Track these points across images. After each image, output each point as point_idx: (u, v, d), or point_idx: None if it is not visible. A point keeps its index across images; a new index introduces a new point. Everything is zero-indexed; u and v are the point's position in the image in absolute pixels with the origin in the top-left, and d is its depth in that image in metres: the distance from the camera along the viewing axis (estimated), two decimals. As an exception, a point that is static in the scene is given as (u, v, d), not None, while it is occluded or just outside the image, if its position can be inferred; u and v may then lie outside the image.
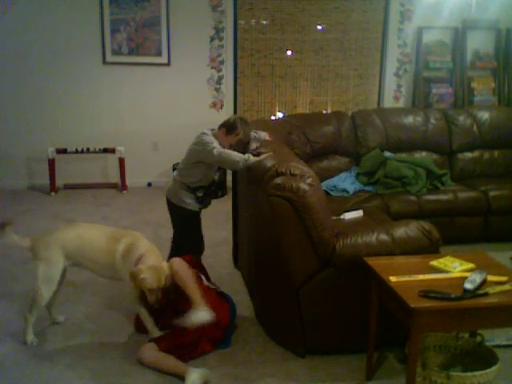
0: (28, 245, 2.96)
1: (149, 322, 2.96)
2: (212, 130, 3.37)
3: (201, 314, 2.72)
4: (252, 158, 3.08)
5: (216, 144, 3.19)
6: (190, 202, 3.39)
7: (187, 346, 2.82)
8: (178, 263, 2.90)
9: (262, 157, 3.05)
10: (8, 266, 3.93)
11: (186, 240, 3.50)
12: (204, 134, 3.28)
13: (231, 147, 3.27)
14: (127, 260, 2.90)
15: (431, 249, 2.72)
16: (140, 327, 3.07)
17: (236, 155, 3.12)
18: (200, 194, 3.37)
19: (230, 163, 3.16)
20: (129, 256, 2.90)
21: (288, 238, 2.71)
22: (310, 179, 2.72)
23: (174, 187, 3.43)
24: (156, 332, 2.95)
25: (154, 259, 2.88)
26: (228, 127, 3.30)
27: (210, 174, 3.39)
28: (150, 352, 2.76)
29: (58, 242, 2.94)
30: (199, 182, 3.35)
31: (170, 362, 2.71)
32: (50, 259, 2.91)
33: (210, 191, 3.43)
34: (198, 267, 3.19)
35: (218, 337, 2.93)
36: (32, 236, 3.02)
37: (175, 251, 3.43)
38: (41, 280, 2.91)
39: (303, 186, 2.66)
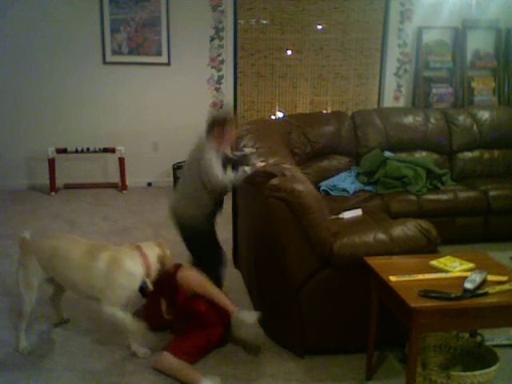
0: (19, 245, 2.94)
1: (131, 328, 2.81)
2: (200, 140, 3.17)
3: (248, 317, 2.71)
4: (247, 170, 3.00)
5: (217, 170, 3.00)
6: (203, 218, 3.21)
7: (201, 347, 2.82)
8: (192, 273, 2.89)
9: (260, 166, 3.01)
10: (8, 266, 3.93)
11: (208, 258, 3.30)
12: (206, 156, 3.02)
13: (232, 143, 3.18)
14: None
15: (430, 247, 2.72)
16: (151, 321, 2.98)
17: (231, 177, 3.01)
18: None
19: (226, 184, 3.04)
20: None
21: (286, 239, 2.72)
22: (302, 182, 2.76)
23: (187, 205, 3.21)
24: (139, 349, 2.84)
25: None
26: (218, 123, 3.09)
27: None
28: (166, 360, 2.72)
29: (33, 250, 2.86)
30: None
31: (183, 370, 2.67)
32: (26, 265, 2.86)
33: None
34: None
35: (222, 335, 2.93)
36: (26, 239, 2.94)
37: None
38: (21, 285, 2.86)
39: (298, 186, 2.67)
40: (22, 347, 2.88)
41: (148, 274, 2.79)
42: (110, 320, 2.78)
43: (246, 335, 2.84)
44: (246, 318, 2.77)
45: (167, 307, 3.01)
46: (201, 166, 3.04)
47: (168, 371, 2.69)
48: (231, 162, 3.19)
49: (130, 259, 2.76)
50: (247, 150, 3.30)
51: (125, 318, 2.75)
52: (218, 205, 3.27)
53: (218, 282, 3.19)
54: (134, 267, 2.75)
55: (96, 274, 2.71)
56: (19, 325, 2.91)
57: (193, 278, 2.90)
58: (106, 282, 2.70)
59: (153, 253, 2.82)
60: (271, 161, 3.10)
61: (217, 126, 3.12)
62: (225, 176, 3.01)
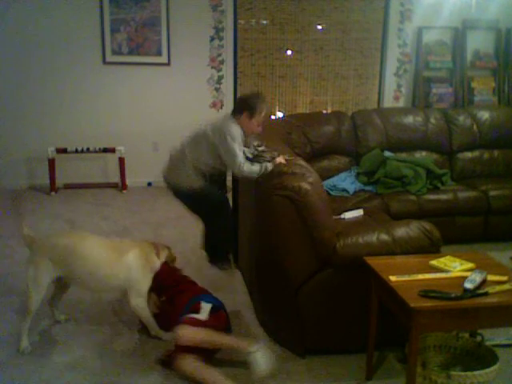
0: (27, 244, 2.92)
1: (153, 326, 2.98)
2: (233, 115, 3.18)
3: (264, 364, 2.55)
4: (268, 166, 2.96)
5: (239, 152, 3.04)
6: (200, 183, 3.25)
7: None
8: (191, 331, 2.66)
9: (279, 162, 2.98)
10: (8, 266, 3.93)
11: (216, 212, 3.31)
12: (229, 129, 3.06)
13: (259, 126, 3.17)
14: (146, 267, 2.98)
15: (432, 249, 2.71)
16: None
17: (254, 171, 2.99)
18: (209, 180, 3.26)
19: (248, 177, 3.05)
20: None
21: (289, 238, 2.71)
22: (311, 178, 2.72)
23: (183, 170, 3.25)
24: (162, 333, 2.97)
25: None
26: (249, 110, 3.12)
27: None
28: (188, 361, 2.62)
29: (46, 248, 2.87)
30: (212, 169, 3.21)
31: (211, 373, 2.59)
32: (36, 264, 2.85)
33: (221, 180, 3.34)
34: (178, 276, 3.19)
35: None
36: (34, 237, 2.95)
37: (211, 233, 3.37)
38: (30, 284, 2.86)
39: (305, 185, 2.66)
40: (23, 348, 2.87)
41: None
42: (139, 312, 2.96)
43: (258, 372, 2.60)
44: (261, 363, 2.55)
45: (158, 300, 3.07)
46: (221, 141, 3.03)
47: (191, 374, 2.58)
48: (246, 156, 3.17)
49: (152, 254, 3.03)
50: (260, 148, 3.26)
51: (150, 316, 2.97)
52: (215, 181, 3.28)
53: (233, 237, 3.34)
54: (157, 262, 3.03)
55: (125, 268, 2.90)
56: (23, 324, 2.90)
57: (195, 335, 2.66)
58: (136, 276, 2.91)
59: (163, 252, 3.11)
60: (288, 157, 3.08)
61: (248, 110, 3.12)
62: (249, 166, 3.01)
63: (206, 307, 2.85)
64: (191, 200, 3.35)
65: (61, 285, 3.08)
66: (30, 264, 2.87)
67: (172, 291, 3.04)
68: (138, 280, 2.93)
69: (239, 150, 3.06)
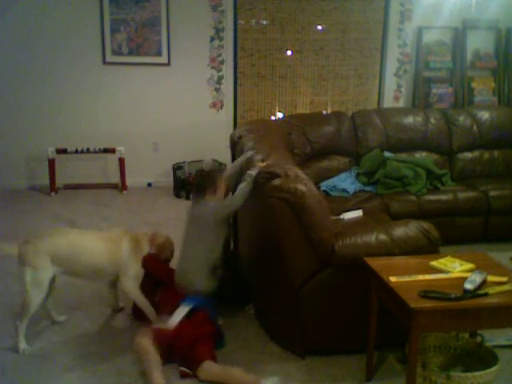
0: (16, 252, 2.94)
1: (148, 308, 3.09)
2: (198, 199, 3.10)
3: None
4: (252, 174, 2.95)
5: (226, 203, 3.02)
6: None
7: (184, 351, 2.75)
8: (214, 368, 2.69)
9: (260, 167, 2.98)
10: (8, 266, 3.92)
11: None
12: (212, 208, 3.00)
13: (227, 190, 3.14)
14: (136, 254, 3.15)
15: (430, 248, 2.72)
16: (137, 315, 3.16)
17: (244, 191, 2.93)
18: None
19: (243, 198, 2.96)
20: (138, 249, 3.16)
21: (287, 239, 2.72)
22: (305, 181, 2.74)
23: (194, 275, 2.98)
24: (154, 315, 3.06)
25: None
26: (210, 184, 3.06)
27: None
28: (212, 368, 2.65)
29: (46, 249, 2.93)
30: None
31: (236, 373, 2.61)
32: (37, 266, 2.89)
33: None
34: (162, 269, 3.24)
35: (211, 331, 2.87)
36: (19, 243, 2.97)
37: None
38: (30, 287, 2.89)
39: (301, 186, 2.66)
40: (22, 349, 2.89)
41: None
42: (131, 295, 3.12)
43: None
44: None
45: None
46: (213, 215, 2.95)
47: (216, 377, 2.62)
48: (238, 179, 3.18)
49: (145, 241, 3.24)
50: (249, 153, 3.27)
51: (143, 297, 3.11)
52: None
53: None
54: (147, 248, 3.22)
55: (122, 254, 3.08)
56: (20, 326, 2.91)
57: (215, 374, 2.67)
58: (128, 260, 3.09)
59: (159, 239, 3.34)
60: (269, 161, 3.08)
61: (208, 189, 3.05)
62: (236, 197, 2.97)
63: (180, 312, 2.80)
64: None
65: (50, 284, 3.07)
66: (26, 267, 2.89)
67: (164, 291, 3.13)
68: (132, 264, 3.10)
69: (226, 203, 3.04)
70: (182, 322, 2.79)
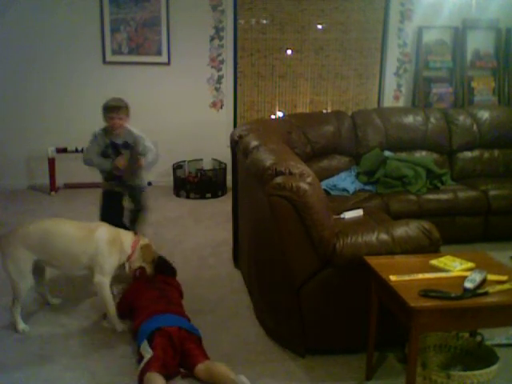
0: None
1: (111, 311, 3.06)
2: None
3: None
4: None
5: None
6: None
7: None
8: (221, 368, 2.65)
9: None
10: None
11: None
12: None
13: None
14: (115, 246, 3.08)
15: (431, 248, 2.72)
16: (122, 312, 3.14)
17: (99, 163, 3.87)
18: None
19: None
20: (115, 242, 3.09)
21: (288, 238, 2.71)
22: (310, 178, 2.72)
23: None
24: (117, 321, 3.05)
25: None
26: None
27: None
28: (216, 367, 2.63)
29: (19, 239, 2.98)
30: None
31: (228, 373, 2.58)
32: (13, 256, 2.96)
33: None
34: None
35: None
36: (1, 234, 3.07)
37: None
38: (13, 276, 2.98)
39: (303, 185, 2.66)
40: (22, 328, 3.00)
41: (130, 259, 3.14)
42: (100, 291, 3.05)
43: None
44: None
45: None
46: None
47: (216, 377, 2.60)
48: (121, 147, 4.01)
49: (125, 237, 3.15)
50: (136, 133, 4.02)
51: (110, 297, 3.05)
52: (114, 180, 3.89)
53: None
54: (127, 245, 3.13)
55: (95, 245, 3.02)
56: (13, 310, 3.02)
57: (220, 370, 2.64)
58: (102, 251, 3.02)
59: (142, 241, 3.20)
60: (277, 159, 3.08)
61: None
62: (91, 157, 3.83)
63: (144, 348, 2.71)
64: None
65: (38, 268, 3.14)
66: (5, 259, 2.97)
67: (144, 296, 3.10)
68: (104, 256, 3.02)
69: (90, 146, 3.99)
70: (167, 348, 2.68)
